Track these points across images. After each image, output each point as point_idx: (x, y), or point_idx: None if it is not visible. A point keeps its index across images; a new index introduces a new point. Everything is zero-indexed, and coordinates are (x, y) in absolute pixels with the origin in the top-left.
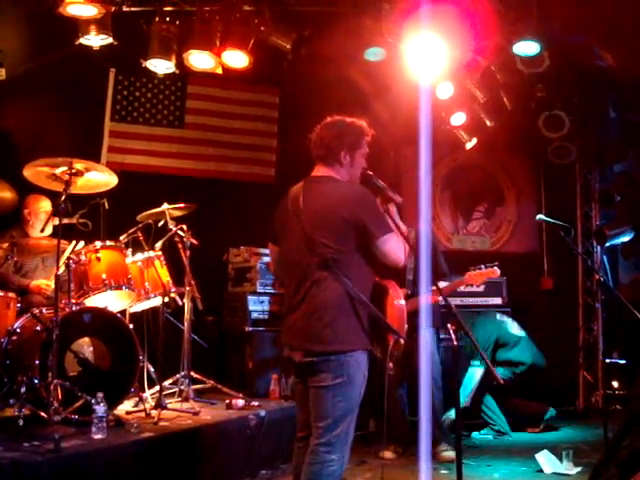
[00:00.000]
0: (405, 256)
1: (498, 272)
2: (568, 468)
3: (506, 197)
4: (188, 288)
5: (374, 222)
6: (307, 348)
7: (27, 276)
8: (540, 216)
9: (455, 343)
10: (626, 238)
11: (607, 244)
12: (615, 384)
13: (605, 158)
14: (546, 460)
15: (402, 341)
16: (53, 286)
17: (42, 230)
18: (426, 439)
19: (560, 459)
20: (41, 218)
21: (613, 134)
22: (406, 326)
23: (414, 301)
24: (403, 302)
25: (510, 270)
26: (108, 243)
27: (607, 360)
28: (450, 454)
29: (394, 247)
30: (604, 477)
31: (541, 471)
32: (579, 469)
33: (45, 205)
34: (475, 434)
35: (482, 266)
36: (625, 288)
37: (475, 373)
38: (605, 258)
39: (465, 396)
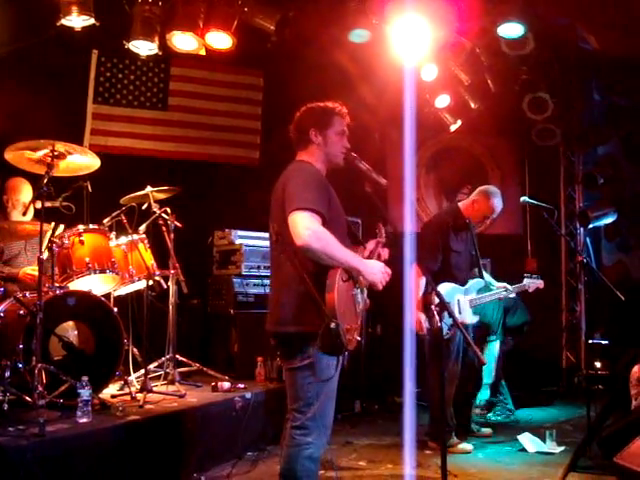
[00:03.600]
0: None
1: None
2: (551, 447)
3: (490, 179)
4: (173, 271)
5: (291, 195)
6: (273, 330)
7: (11, 262)
8: (524, 198)
9: (439, 325)
10: (609, 220)
11: (590, 226)
12: (597, 364)
13: (589, 140)
14: (529, 440)
15: (332, 325)
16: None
17: (24, 214)
18: (410, 421)
19: (543, 439)
20: (18, 208)
21: (597, 116)
22: (337, 307)
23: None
24: (334, 282)
25: (494, 252)
26: (91, 226)
27: (590, 341)
28: (465, 446)
29: (299, 226)
30: (587, 456)
31: (524, 450)
32: (562, 448)
33: (23, 196)
34: None
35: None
36: (608, 269)
37: (494, 347)
38: (588, 240)
39: (489, 372)
